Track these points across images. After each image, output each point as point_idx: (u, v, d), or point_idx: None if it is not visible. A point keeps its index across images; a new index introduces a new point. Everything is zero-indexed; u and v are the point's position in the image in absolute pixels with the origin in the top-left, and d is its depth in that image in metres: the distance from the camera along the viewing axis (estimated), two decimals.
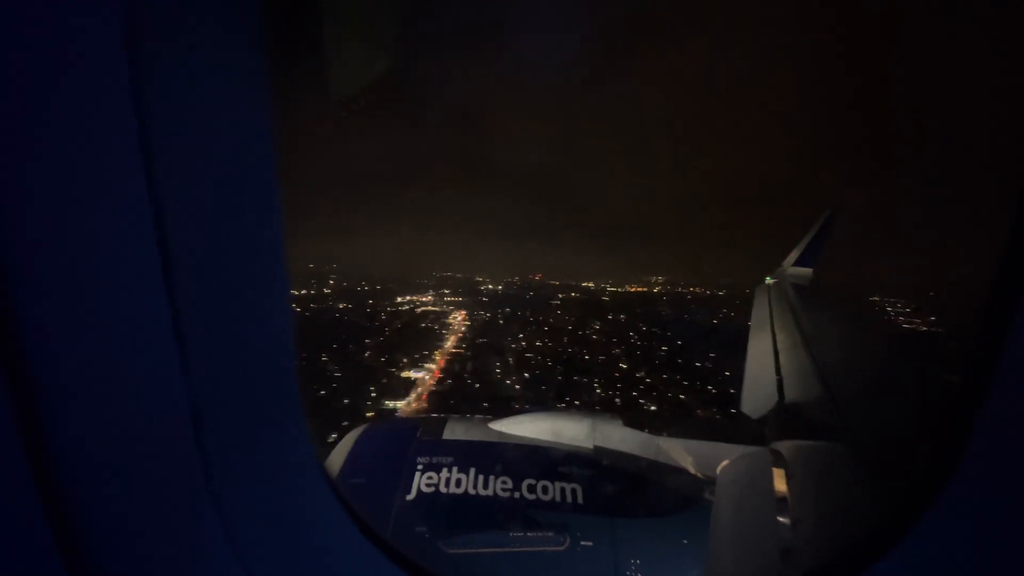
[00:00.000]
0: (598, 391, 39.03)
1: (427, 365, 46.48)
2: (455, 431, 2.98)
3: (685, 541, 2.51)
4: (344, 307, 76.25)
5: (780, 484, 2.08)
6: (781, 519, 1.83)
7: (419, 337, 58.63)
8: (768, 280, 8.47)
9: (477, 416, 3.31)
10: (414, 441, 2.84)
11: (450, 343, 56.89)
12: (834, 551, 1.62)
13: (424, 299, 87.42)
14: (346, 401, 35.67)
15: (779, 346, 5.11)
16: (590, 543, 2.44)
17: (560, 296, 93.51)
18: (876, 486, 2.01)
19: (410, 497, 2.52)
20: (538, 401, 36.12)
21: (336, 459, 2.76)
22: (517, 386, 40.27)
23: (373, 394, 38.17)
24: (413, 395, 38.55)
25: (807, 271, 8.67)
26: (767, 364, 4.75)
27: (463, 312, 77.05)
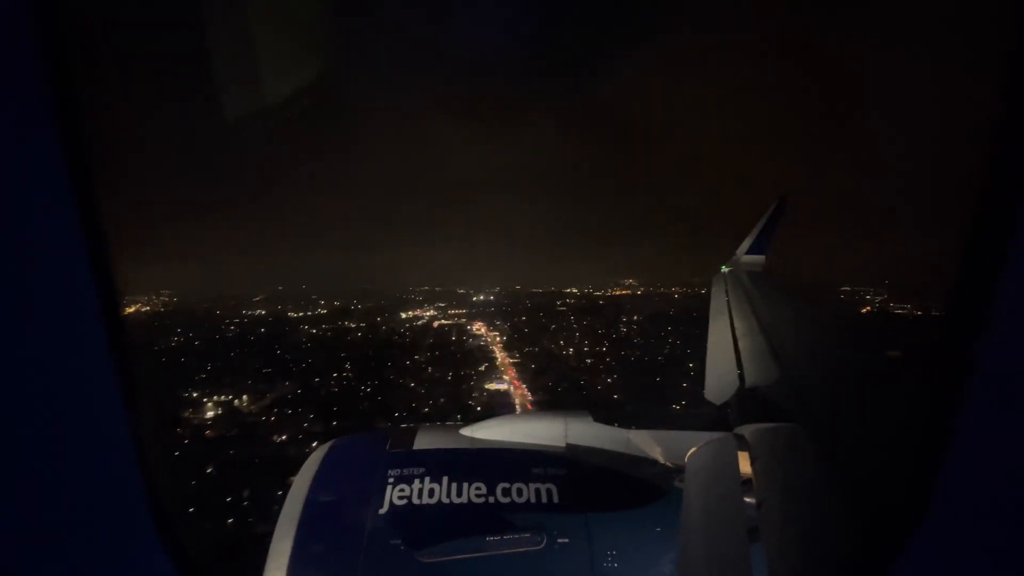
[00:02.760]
0: (690, 388, 40.34)
1: (503, 376, 46.20)
2: (426, 440, 2.98)
3: (658, 529, 2.59)
4: (358, 326, 73.88)
5: (745, 467, 2.20)
6: (747, 500, 1.94)
7: (462, 350, 57.95)
8: (724, 269, 8.76)
9: (448, 423, 3.39)
10: (384, 454, 2.84)
11: (499, 353, 56.66)
12: (797, 528, 1.76)
13: (428, 314, 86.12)
14: (458, 417, 34.97)
15: (737, 333, 5.28)
16: (566, 540, 2.49)
17: (558, 303, 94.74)
18: (835, 465, 2.17)
19: (383, 512, 2.52)
20: (651, 400, 36.98)
21: (303, 478, 2.70)
22: (615, 395, 40.88)
23: (478, 409, 37.57)
24: (518, 408, 38.28)
25: (760, 258, 8.99)
26: (727, 351, 4.92)
27: (479, 323, 76.68)
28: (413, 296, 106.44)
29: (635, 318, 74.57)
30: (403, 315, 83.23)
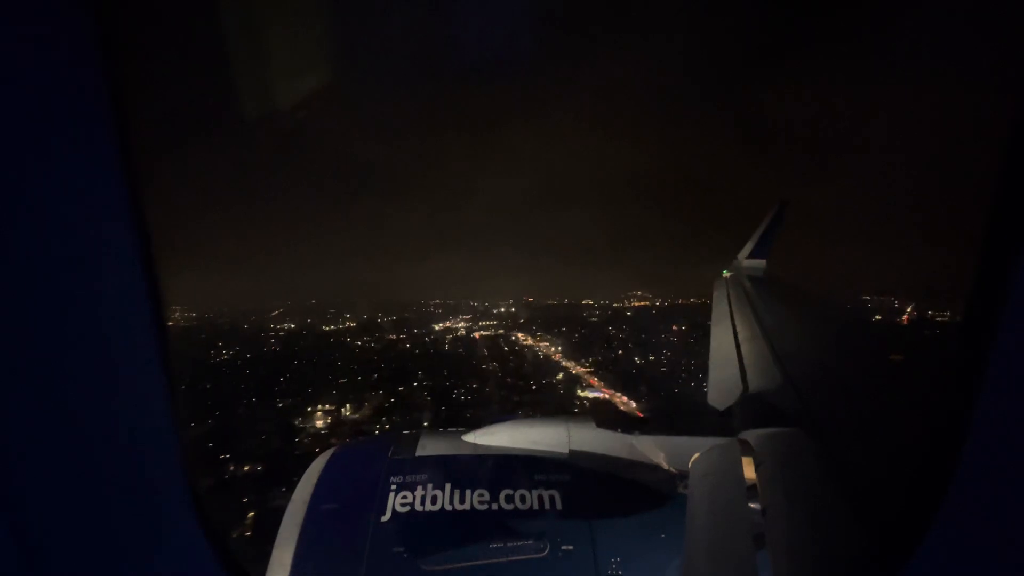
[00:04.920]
0: None
1: (590, 384, 45.73)
2: (428, 447, 2.97)
3: (663, 535, 2.59)
4: (398, 338, 72.87)
5: (749, 472, 2.19)
6: (752, 505, 1.92)
7: (524, 361, 57.46)
8: (725, 273, 8.78)
9: (450, 429, 3.38)
10: (386, 461, 2.83)
11: (565, 363, 56.18)
12: (802, 534, 1.75)
13: (460, 325, 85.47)
14: None
15: (739, 337, 5.29)
16: (570, 547, 2.49)
17: (585, 314, 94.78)
18: (840, 469, 2.17)
19: (385, 519, 2.52)
20: None
21: (305, 485, 2.70)
22: None
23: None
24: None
25: (761, 262, 9.04)
26: (730, 356, 4.92)
27: (521, 334, 76.19)
28: (431, 309, 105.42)
29: (674, 328, 74.73)
30: (436, 327, 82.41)
